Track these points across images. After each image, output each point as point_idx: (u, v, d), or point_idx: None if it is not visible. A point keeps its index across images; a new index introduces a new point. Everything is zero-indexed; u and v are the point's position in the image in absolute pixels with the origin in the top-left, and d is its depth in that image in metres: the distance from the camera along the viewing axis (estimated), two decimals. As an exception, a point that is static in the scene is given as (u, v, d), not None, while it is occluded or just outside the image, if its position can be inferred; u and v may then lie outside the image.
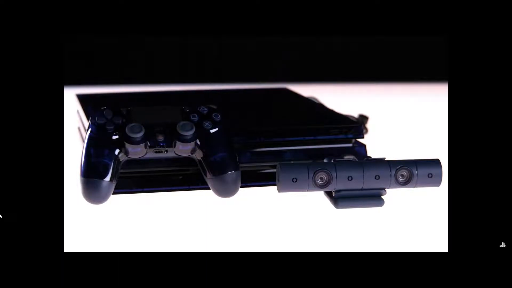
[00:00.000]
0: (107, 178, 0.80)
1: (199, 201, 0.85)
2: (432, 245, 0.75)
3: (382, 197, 0.82)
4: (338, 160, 0.83)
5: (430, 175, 0.82)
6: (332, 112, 1.02)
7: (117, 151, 0.81)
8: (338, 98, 1.31)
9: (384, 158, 0.84)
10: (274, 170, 0.85)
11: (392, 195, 0.84)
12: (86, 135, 0.83)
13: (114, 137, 0.82)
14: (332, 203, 0.83)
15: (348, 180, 0.81)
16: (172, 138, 0.82)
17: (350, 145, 0.92)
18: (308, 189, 0.81)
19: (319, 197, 0.85)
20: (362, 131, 0.92)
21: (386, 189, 0.82)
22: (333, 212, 0.83)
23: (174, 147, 0.82)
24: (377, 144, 1.01)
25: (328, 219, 0.82)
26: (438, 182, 0.82)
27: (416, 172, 0.82)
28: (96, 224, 0.80)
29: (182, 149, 0.82)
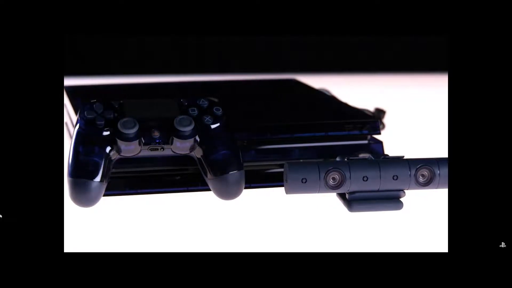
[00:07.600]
0: (97, 179, 0.80)
1: (199, 204, 0.86)
2: (432, 245, 0.76)
3: (400, 199, 0.82)
4: (352, 158, 0.83)
5: (453, 175, 0.82)
6: (345, 106, 1.02)
7: (108, 149, 0.81)
8: (352, 90, 1.31)
9: (403, 157, 0.84)
10: (282, 170, 0.85)
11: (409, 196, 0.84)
12: (74, 131, 0.83)
13: (105, 133, 0.82)
14: (345, 206, 0.83)
15: (363, 180, 0.81)
16: (169, 134, 0.82)
17: (366, 142, 0.93)
18: (319, 190, 0.81)
19: (331, 199, 0.85)
20: (378, 127, 0.92)
21: (405, 191, 0.82)
22: (346, 216, 0.82)
23: (171, 144, 0.82)
24: (395, 141, 1.01)
25: (341, 223, 0.82)
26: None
27: (438, 172, 0.82)
28: (87, 226, 0.80)
29: (180, 147, 0.82)
